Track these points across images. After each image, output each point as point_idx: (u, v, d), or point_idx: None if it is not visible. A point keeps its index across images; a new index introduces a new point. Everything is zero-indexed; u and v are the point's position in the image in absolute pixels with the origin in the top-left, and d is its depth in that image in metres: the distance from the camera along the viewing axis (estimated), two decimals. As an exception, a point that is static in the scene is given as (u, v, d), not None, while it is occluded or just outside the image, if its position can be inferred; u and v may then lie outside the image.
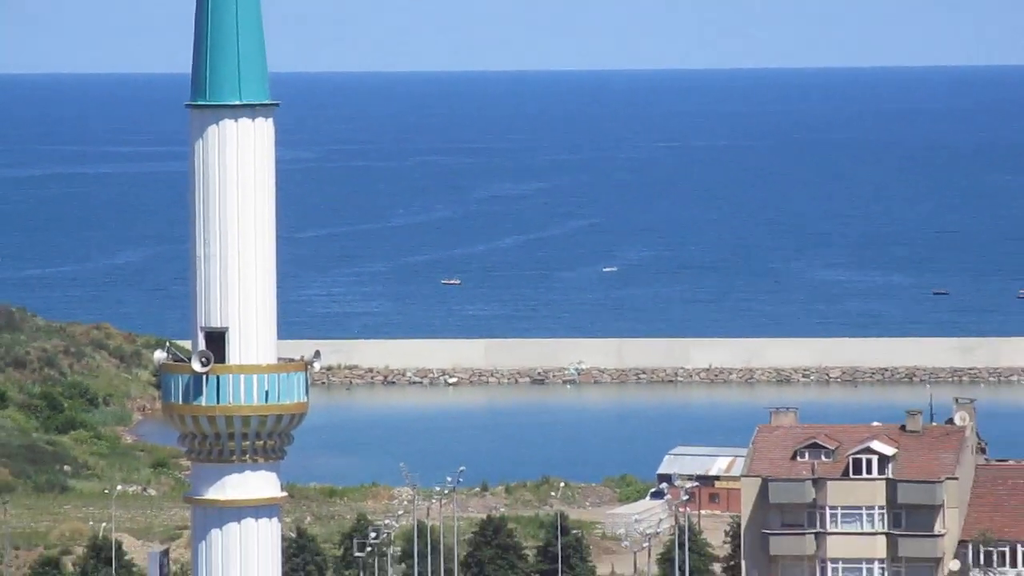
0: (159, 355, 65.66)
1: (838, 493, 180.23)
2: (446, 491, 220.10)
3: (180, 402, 64.01)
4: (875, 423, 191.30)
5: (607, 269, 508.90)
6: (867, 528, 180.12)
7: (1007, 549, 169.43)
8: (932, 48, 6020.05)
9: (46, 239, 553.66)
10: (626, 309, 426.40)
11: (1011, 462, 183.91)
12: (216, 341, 63.95)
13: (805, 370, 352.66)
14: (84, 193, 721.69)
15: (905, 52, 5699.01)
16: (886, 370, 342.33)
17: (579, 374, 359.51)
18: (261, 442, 64.09)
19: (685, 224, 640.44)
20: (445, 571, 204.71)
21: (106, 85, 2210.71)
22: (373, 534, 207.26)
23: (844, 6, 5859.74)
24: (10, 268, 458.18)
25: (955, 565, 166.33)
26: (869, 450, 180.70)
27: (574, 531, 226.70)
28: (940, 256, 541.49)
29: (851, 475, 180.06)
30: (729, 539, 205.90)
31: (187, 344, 64.72)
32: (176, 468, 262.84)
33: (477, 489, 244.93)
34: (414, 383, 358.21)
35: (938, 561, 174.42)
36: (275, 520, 65.12)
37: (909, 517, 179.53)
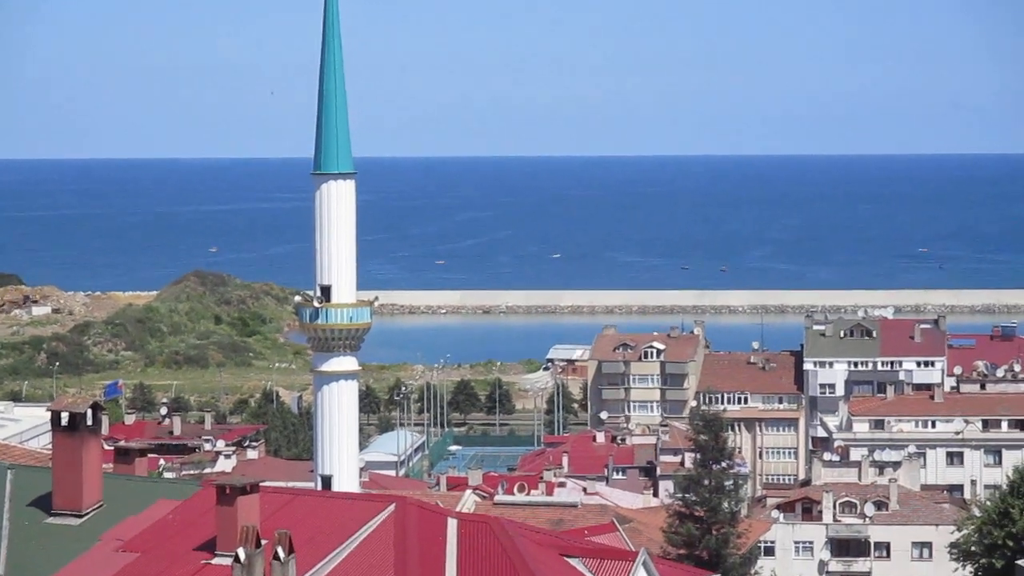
0: (297, 298, 65.12)
1: (635, 368, 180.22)
2: (439, 366, 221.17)
3: (308, 322, 62.94)
4: (655, 332, 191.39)
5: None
6: (651, 385, 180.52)
7: (720, 395, 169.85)
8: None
9: (252, 244, 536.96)
10: (545, 277, 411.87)
11: (721, 352, 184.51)
12: (326, 291, 62.83)
13: (624, 306, 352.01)
14: (269, 210, 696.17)
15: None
16: (662, 305, 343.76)
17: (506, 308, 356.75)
18: (347, 342, 62.87)
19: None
20: (439, 407, 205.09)
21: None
22: (403, 388, 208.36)
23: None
24: (225, 253, 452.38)
25: (693, 403, 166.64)
26: (652, 346, 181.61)
27: (504, 386, 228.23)
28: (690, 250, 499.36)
29: (642, 359, 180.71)
30: (581, 391, 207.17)
31: (312, 292, 63.36)
32: (305, 354, 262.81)
33: (456, 364, 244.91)
34: (423, 312, 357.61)
35: (686, 402, 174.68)
36: (354, 381, 64.00)
37: (672, 380, 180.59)
